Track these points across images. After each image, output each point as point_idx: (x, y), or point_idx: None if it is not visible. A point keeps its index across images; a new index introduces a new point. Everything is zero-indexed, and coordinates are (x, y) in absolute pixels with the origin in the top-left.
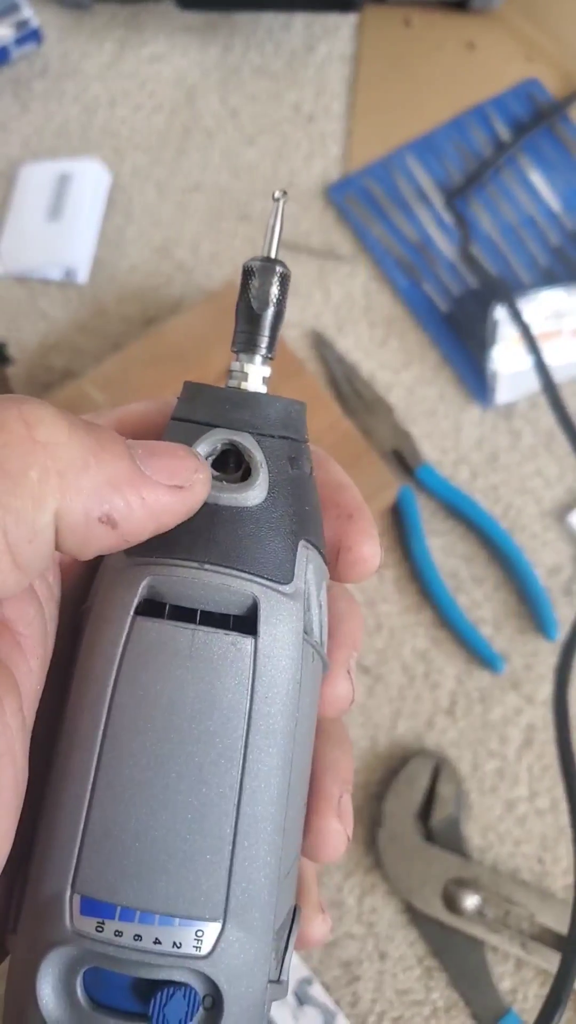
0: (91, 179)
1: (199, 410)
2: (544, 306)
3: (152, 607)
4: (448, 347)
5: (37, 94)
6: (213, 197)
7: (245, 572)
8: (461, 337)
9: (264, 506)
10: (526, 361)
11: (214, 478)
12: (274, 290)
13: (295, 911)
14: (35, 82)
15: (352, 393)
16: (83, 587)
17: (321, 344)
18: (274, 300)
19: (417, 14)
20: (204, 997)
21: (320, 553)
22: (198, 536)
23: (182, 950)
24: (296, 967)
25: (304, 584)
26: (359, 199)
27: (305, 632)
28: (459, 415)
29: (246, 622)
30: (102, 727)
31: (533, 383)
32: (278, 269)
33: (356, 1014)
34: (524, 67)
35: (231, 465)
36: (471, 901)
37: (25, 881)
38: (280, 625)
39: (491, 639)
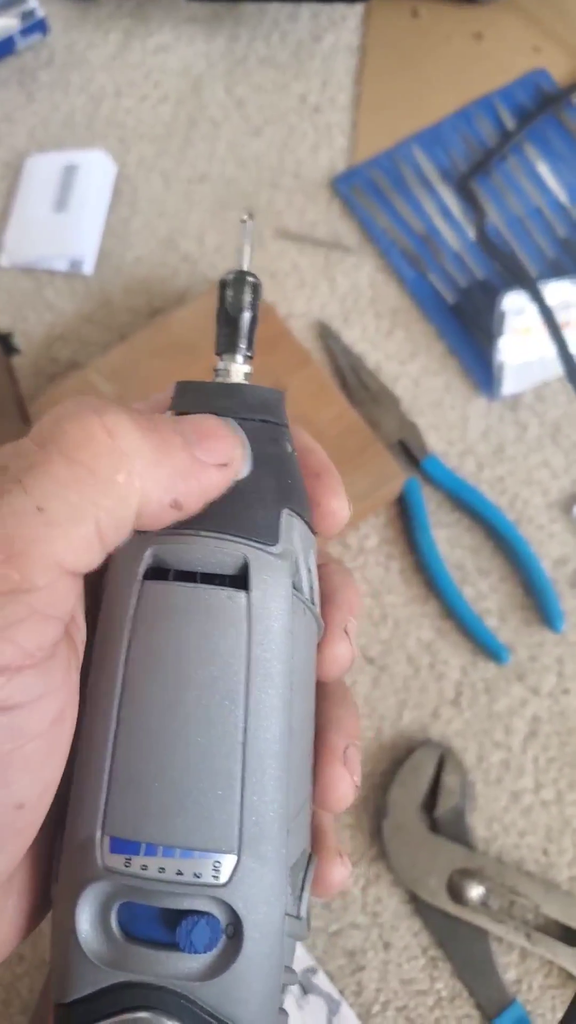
0: (97, 170)
1: (190, 403)
2: (551, 297)
3: (158, 573)
4: (454, 338)
5: (43, 85)
6: (219, 188)
7: (236, 536)
8: (467, 328)
9: (249, 479)
10: (533, 352)
11: None
12: (247, 297)
13: (310, 857)
14: (41, 73)
15: (358, 384)
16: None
17: (327, 335)
18: (247, 305)
19: (424, 4)
20: (226, 926)
21: (305, 521)
22: None
23: (202, 880)
24: (300, 956)
25: (290, 546)
26: (365, 190)
27: (294, 588)
28: (465, 406)
29: (240, 580)
30: (120, 682)
31: (540, 374)
32: (249, 279)
33: (360, 1003)
34: (532, 58)
35: None
36: (476, 891)
37: (62, 836)
38: (269, 580)
39: (496, 630)
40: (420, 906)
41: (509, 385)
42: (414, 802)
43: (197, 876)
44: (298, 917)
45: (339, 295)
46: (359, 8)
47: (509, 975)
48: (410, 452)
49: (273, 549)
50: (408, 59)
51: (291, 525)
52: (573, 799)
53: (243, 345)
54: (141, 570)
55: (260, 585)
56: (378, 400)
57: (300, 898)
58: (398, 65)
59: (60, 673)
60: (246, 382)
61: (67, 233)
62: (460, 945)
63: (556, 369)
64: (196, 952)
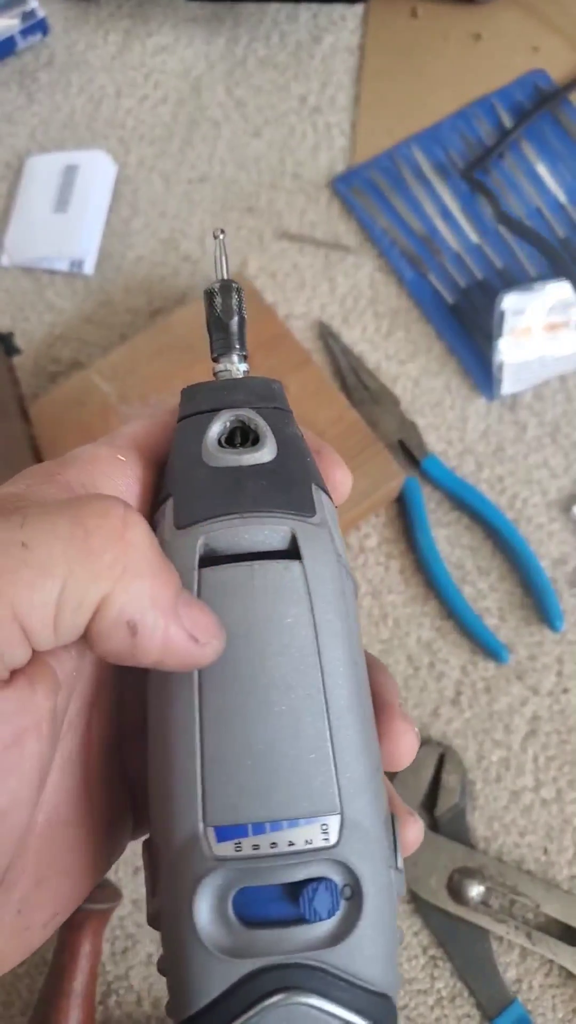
0: (97, 170)
1: (202, 402)
2: (550, 297)
3: (213, 560)
4: (454, 338)
5: (43, 85)
6: (219, 188)
7: (278, 512)
8: (467, 328)
9: (278, 460)
10: (532, 352)
11: (231, 450)
12: (234, 302)
13: (393, 818)
14: (41, 73)
15: (358, 384)
16: None
17: (327, 335)
18: (236, 310)
19: (423, 5)
20: (343, 887)
21: (328, 496)
22: (232, 494)
23: (314, 845)
24: None
25: (325, 516)
26: (365, 190)
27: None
28: (465, 406)
29: (291, 552)
30: (197, 682)
31: (539, 374)
32: (234, 286)
33: None
34: (531, 58)
35: (239, 440)
36: (476, 891)
37: (151, 843)
38: (318, 547)
39: (496, 630)
40: (420, 905)
41: (508, 385)
42: (414, 801)
43: (309, 842)
44: (399, 870)
45: (339, 295)
46: (358, 9)
47: (509, 974)
48: (410, 452)
49: (313, 519)
50: (407, 59)
51: (321, 498)
52: (573, 798)
53: (238, 346)
54: (196, 559)
55: (310, 553)
56: (378, 400)
57: (395, 853)
58: (397, 65)
59: (14, 702)
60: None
61: (68, 233)
62: (460, 944)
63: (555, 369)
64: (320, 919)
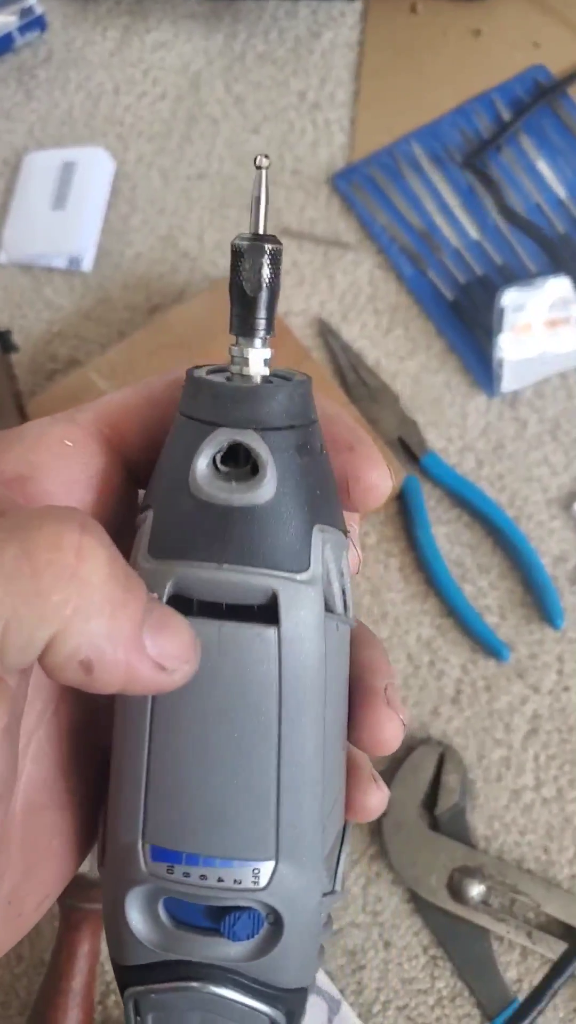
0: (96, 167)
1: (202, 408)
2: (550, 294)
3: (181, 602)
4: (454, 335)
5: (41, 82)
6: (218, 185)
7: (262, 567)
8: (467, 325)
9: (275, 501)
10: (532, 349)
11: (226, 477)
12: (266, 271)
13: (344, 829)
14: (39, 70)
15: (357, 381)
16: None
17: (326, 332)
18: (267, 281)
19: (423, 1)
20: (267, 915)
21: (336, 528)
22: (215, 537)
23: (242, 886)
24: None
25: (322, 566)
26: (364, 187)
27: (328, 609)
28: (465, 403)
29: (269, 610)
30: (149, 711)
31: (539, 371)
32: (268, 247)
33: (361, 1003)
34: (531, 54)
35: (240, 459)
36: (476, 890)
37: (105, 823)
38: (301, 611)
39: (496, 628)
40: (420, 905)
41: (508, 382)
42: (414, 800)
43: (237, 882)
44: (333, 892)
45: (338, 292)
46: (357, 4)
47: (510, 974)
48: (409, 449)
49: (303, 576)
50: (407, 55)
51: (323, 540)
52: (574, 797)
53: (262, 327)
54: (164, 601)
55: (291, 617)
56: (377, 397)
57: (335, 873)
58: (397, 61)
59: None
60: (266, 371)
61: (66, 230)
62: (461, 944)
63: (556, 366)
64: (240, 940)
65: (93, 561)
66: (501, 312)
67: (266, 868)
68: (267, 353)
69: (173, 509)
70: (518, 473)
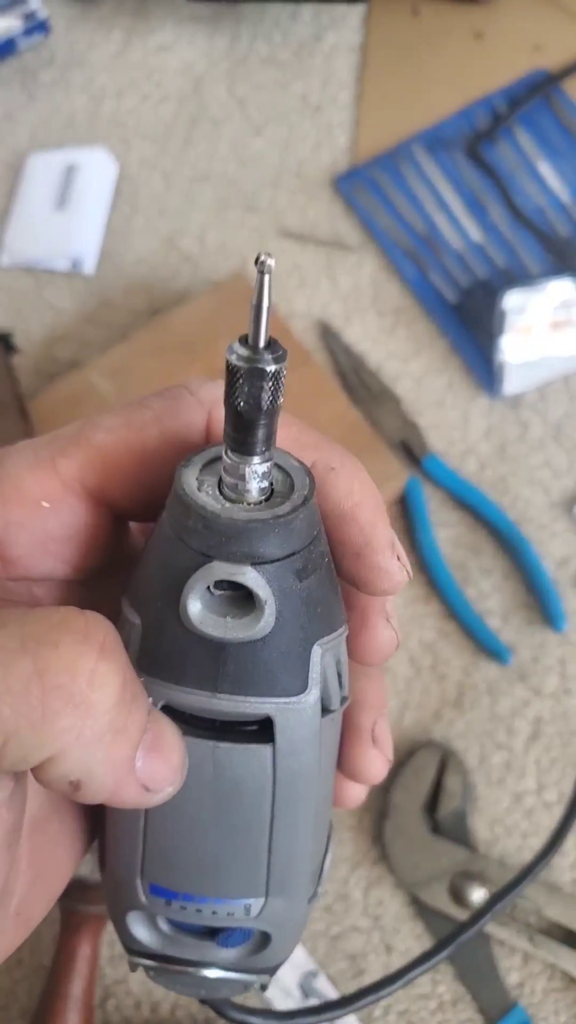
0: (98, 169)
1: (194, 536)
2: (553, 296)
3: (172, 713)
4: (456, 337)
5: (44, 84)
6: (220, 187)
7: (257, 696)
8: (469, 327)
9: (272, 634)
10: (534, 351)
11: (220, 609)
12: (267, 396)
13: (328, 835)
14: (42, 73)
15: (359, 383)
16: None
17: (328, 334)
18: (267, 405)
19: (425, 4)
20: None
21: (335, 630)
22: (208, 669)
23: (235, 917)
24: (302, 960)
25: (320, 677)
26: (367, 189)
27: (323, 711)
28: (467, 406)
29: (263, 728)
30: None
31: (541, 373)
32: (269, 370)
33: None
34: (532, 57)
35: (236, 586)
36: (478, 894)
37: (103, 847)
38: (298, 729)
39: (498, 631)
40: (422, 909)
41: (511, 384)
42: (416, 804)
43: (230, 914)
44: (315, 895)
45: (340, 294)
46: (360, 7)
47: (511, 979)
48: (411, 452)
49: (300, 699)
50: (409, 58)
51: (323, 653)
52: None
53: (261, 448)
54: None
55: (286, 736)
56: (379, 399)
57: (319, 878)
58: (399, 64)
59: None
60: (264, 486)
61: (68, 232)
62: (462, 949)
63: (558, 368)
64: (232, 948)
65: (105, 689)
66: (503, 314)
67: (257, 903)
68: (265, 467)
69: (163, 630)
70: (520, 476)
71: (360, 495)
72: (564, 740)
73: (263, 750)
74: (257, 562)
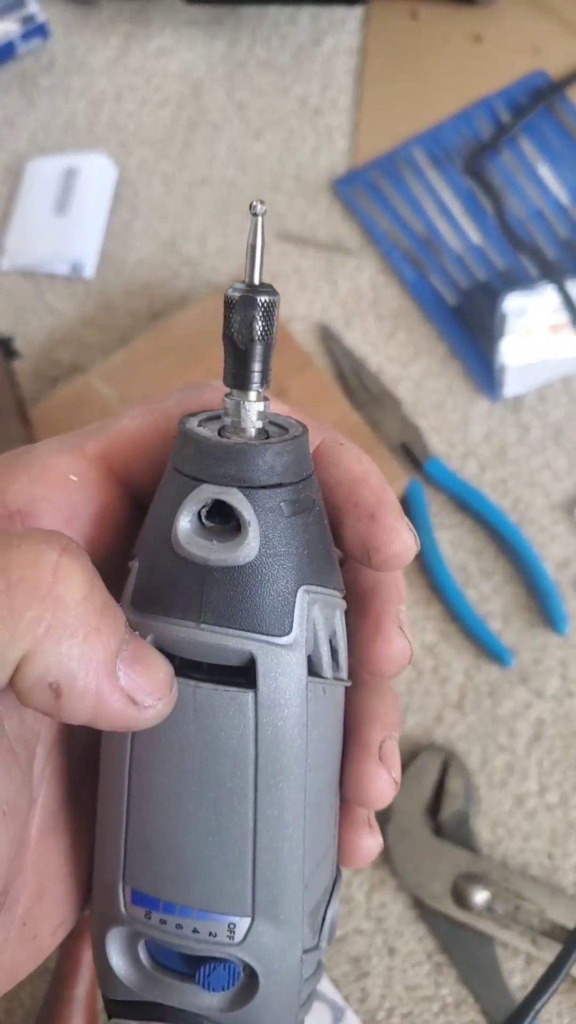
0: (97, 173)
1: (189, 462)
2: (553, 298)
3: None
4: (456, 340)
5: (43, 89)
6: (220, 191)
7: (240, 630)
8: (469, 330)
9: (256, 562)
10: (535, 354)
11: (208, 534)
12: (258, 325)
13: (335, 882)
14: (41, 77)
15: (360, 386)
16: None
17: (328, 337)
18: (259, 335)
19: (424, 7)
20: (244, 967)
21: (327, 588)
22: (194, 596)
23: (217, 939)
24: None
25: (307, 629)
26: (366, 192)
27: (312, 673)
28: (467, 408)
29: (248, 673)
30: (127, 764)
31: (542, 376)
32: (261, 300)
33: (365, 1010)
34: (531, 59)
35: (226, 515)
36: (481, 896)
37: (94, 857)
38: (280, 676)
39: (500, 633)
40: (425, 911)
41: (511, 387)
42: (418, 806)
43: (212, 935)
44: (316, 947)
45: (340, 297)
46: (359, 11)
47: (515, 980)
48: (412, 454)
49: (284, 640)
50: (408, 61)
51: (310, 601)
52: None
53: (256, 380)
54: None
55: (269, 682)
56: (380, 402)
57: (321, 929)
58: (398, 67)
59: None
60: (259, 424)
61: (68, 236)
62: (465, 950)
63: (558, 371)
64: (215, 991)
65: (70, 582)
66: (503, 317)
67: (242, 924)
68: (261, 406)
69: (156, 563)
70: (521, 478)
71: (368, 464)
72: (566, 742)
73: (244, 696)
74: (244, 485)
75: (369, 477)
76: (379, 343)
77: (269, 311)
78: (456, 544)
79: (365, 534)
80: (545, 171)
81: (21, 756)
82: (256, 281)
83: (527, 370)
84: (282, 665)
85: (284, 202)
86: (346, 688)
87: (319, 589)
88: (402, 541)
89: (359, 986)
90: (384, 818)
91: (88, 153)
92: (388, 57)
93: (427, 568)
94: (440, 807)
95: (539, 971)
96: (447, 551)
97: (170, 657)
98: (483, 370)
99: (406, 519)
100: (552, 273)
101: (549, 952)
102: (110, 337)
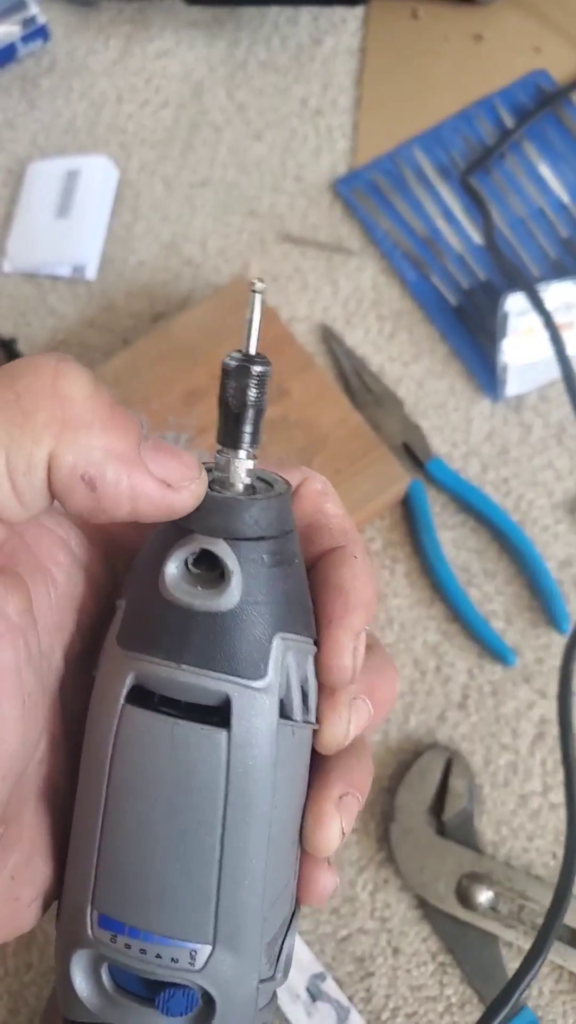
0: (99, 175)
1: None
2: (555, 298)
3: (142, 693)
4: (457, 340)
5: (44, 91)
6: (221, 192)
7: (218, 672)
8: (470, 330)
9: (237, 609)
10: (536, 353)
11: (194, 581)
12: (251, 392)
13: (293, 916)
14: (42, 79)
15: (361, 387)
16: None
17: (330, 338)
18: (251, 401)
19: (424, 6)
20: (202, 994)
21: (302, 636)
22: (176, 637)
23: (179, 965)
24: (309, 963)
25: (280, 674)
26: (367, 193)
27: (283, 715)
28: (469, 408)
29: (222, 714)
30: (104, 791)
31: (544, 375)
32: (255, 370)
33: (370, 1010)
34: (532, 58)
35: (212, 564)
36: (485, 896)
37: (64, 879)
38: (253, 718)
39: (503, 632)
40: (429, 911)
41: (513, 386)
42: (422, 806)
43: (175, 961)
44: (272, 978)
45: (342, 298)
46: (359, 11)
47: None
48: (414, 454)
49: (259, 684)
50: (408, 61)
51: (284, 648)
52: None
53: (246, 441)
54: (123, 691)
55: (242, 723)
56: (382, 403)
57: (277, 960)
58: (398, 67)
59: None
60: (247, 481)
61: (69, 239)
62: (469, 950)
63: (560, 370)
64: (173, 1016)
65: (71, 379)
66: (505, 317)
67: (203, 951)
68: (250, 464)
69: (142, 603)
70: (523, 477)
71: (363, 585)
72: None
73: (219, 734)
74: (230, 537)
75: (340, 595)
76: (380, 343)
77: (262, 380)
78: (458, 544)
79: (320, 634)
80: (546, 170)
81: (43, 673)
82: (252, 351)
83: (529, 369)
84: (255, 707)
85: (285, 203)
86: (297, 796)
87: (294, 636)
88: (340, 657)
89: (363, 986)
90: (388, 818)
91: (89, 155)
92: (388, 57)
93: (430, 568)
94: (444, 807)
95: (543, 971)
96: (449, 551)
97: (150, 694)
98: (485, 370)
99: (359, 645)
100: (528, 287)
101: (553, 952)
102: (112, 339)
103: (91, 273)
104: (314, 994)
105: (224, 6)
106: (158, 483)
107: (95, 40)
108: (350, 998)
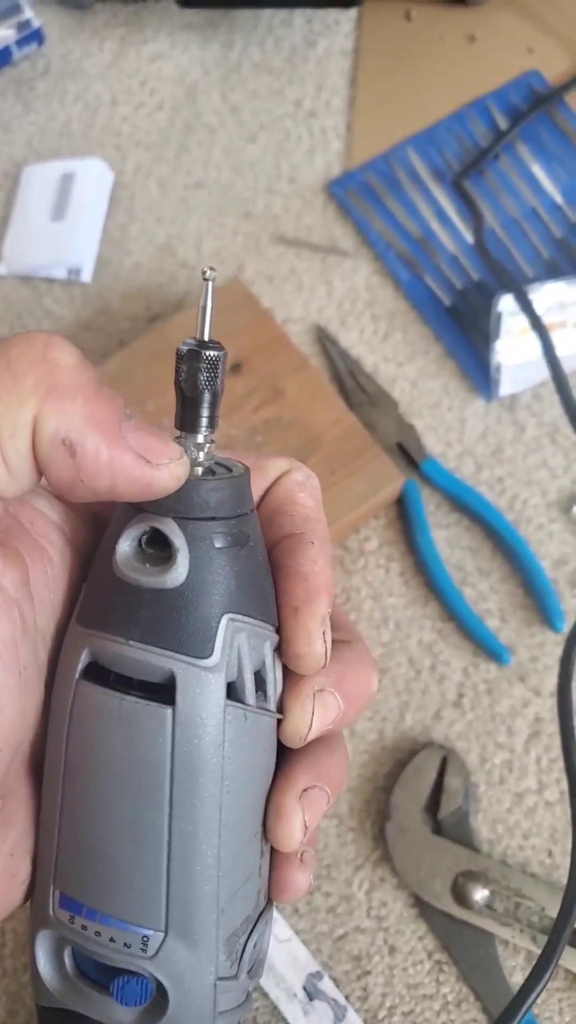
0: (94, 178)
1: None
2: (547, 298)
3: (96, 670)
4: (451, 340)
5: (39, 94)
6: (215, 194)
7: (164, 649)
8: (464, 330)
9: (184, 587)
10: (530, 353)
11: (144, 559)
12: (202, 376)
13: (261, 913)
14: (37, 82)
15: (356, 387)
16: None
17: (324, 339)
18: (203, 385)
19: (417, 7)
20: (157, 985)
21: (257, 619)
22: (125, 614)
23: (131, 950)
24: (306, 962)
25: (230, 655)
26: (361, 194)
27: (233, 698)
28: (463, 408)
29: (168, 691)
30: (63, 767)
31: (537, 375)
32: (207, 354)
33: (366, 1009)
34: (525, 59)
35: (164, 544)
36: (481, 894)
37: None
38: (198, 696)
39: (497, 631)
40: (425, 909)
41: (507, 386)
42: (417, 805)
43: (127, 946)
44: (235, 977)
45: (336, 299)
46: (352, 12)
47: (516, 979)
48: (408, 454)
49: (205, 663)
50: (402, 62)
51: (234, 629)
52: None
53: (203, 424)
54: (79, 668)
55: (187, 700)
56: (376, 403)
57: (240, 959)
58: (392, 68)
59: None
60: (207, 463)
61: (65, 241)
62: (466, 949)
63: (549, 372)
64: (127, 1006)
65: (61, 349)
66: (498, 317)
67: (155, 938)
68: (206, 448)
69: (99, 582)
70: (517, 477)
71: (321, 569)
72: None
73: (164, 711)
74: (179, 516)
75: (304, 578)
76: (375, 344)
77: (214, 365)
78: (453, 543)
79: (285, 625)
80: (539, 171)
81: (37, 648)
82: (205, 338)
83: (522, 369)
84: (200, 685)
85: (279, 204)
86: (257, 788)
87: (246, 619)
88: (308, 644)
89: (360, 984)
90: (383, 816)
91: (84, 158)
92: (382, 58)
93: (424, 567)
94: (439, 805)
95: None
96: (444, 550)
97: (105, 671)
98: (479, 370)
99: (327, 630)
100: (516, 289)
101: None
102: (108, 341)
103: (87, 275)
104: (311, 993)
105: (218, 8)
106: (136, 457)
107: (90, 43)
108: (347, 997)
